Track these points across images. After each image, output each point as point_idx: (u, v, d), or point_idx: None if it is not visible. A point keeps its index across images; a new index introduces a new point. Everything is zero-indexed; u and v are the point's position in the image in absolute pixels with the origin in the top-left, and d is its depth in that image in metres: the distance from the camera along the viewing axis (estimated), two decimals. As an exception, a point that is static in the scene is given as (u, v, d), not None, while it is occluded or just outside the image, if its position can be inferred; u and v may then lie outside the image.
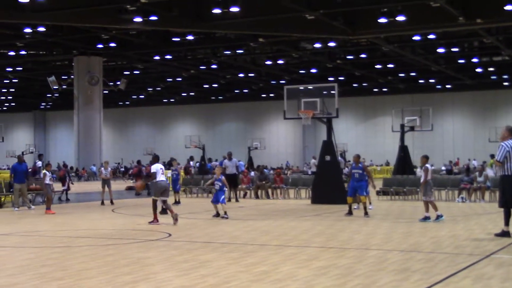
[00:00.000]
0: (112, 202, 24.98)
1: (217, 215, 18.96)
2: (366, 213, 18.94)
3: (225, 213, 18.81)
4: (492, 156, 50.75)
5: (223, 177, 19.26)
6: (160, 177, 17.43)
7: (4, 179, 26.33)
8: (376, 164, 60.30)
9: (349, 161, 56.30)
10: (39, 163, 28.23)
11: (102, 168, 26.41)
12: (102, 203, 25.04)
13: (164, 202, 17.57)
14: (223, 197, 18.84)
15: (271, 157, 66.49)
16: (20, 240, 14.57)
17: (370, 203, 22.27)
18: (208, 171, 39.38)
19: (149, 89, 66.89)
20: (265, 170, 32.16)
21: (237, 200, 26.61)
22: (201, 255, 11.50)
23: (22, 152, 52.33)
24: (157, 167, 17.55)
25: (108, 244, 13.31)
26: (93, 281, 9.10)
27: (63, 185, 28.49)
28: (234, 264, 10.42)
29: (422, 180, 17.53)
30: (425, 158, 18.21)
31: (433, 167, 48.05)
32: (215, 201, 18.97)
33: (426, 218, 17.16)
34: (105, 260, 11.02)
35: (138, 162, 33.43)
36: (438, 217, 17.15)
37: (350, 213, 19.26)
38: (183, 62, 50.42)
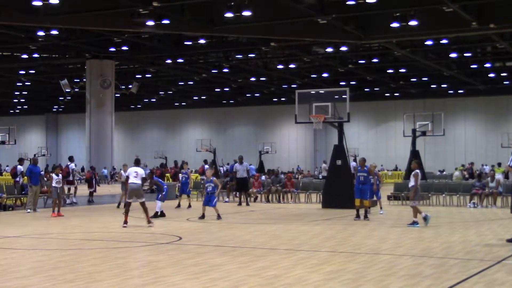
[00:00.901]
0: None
1: (203, 217, 19.21)
2: (366, 217, 19.12)
3: (218, 215, 19.10)
4: (499, 164, 50.71)
5: (214, 178, 19.61)
6: (132, 180, 17.60)
7: (5, 181, 26.53)
8: (387, 169, 60.12)
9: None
10: (72, 165, 28.70)
11: (122, 171, 26.50)
12: (119, 205, 25.12)
13: (142, 203, 17.49)
14: (215, 200, 19.29)
15: (282, 161, 66.44)
16: (31, 242, 14.63)
17: (381, 208, 22.26)
18: (219, 175, 39.41)
19: (160, 92, 67.04)
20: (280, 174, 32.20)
21: (247, 204, 26.60)
22: (212, 258, 11.50)
23: (34, 155, 52.52)
24: (130, 170, 17.89)
25: (119, 247, 13.35)
26: (103, 284, 9.12)
27: (90, 187, 29.48)
28: (244, 268, 10.42)
29: (411, 185, 17.43)
30: (417, 164, 18.25)
31: (444, 173, 47.72)
32: (206, 202, 19.31)
33: (414, 223, 17.13)
34: (116, 263, 11.05)
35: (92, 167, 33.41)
36: (414, 223, 17.14)
37: (358, 216, 19.26)
38: (195, 66, 50.51)
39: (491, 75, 53.18)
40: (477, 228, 17.01)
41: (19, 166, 27.98)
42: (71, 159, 29.25)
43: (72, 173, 28.43)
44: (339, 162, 24.67)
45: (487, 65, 48.52)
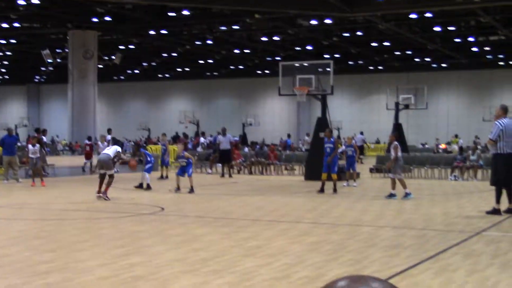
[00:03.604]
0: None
1: (178, 188, 19.08)
2: (335, 190, 18.94)
3: (192, 187, 18.85)
4: (456, 136, 51.08)
5: (185, 153, 19.52)
6: (104, 151, 17.99)
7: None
8: (370, 141, 60.34)
9: (343, 138, 56.46)
10: (109, 137, 29.32)
11: (99, 142, 26.42)
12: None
13: (110, 176, 17.20)
14: (190, 170, 19.11)
15: (265, 134, 66.49)
16: (13, 212, 14.59)
17: (354, 180, 22.34)
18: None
19: (144, 64, 66.60)
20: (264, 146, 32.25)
21: (230, 176, 26.67)
22: (194, 229, 11.54)
23: (16, 125, 52.19)
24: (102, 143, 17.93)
25: (100, 218, 13.35)
26: (85, 254, 9.13)
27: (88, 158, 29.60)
28: (226, 239, 10.47)
29: (392, 157, 17.46)
30: (394, 136, 18.31)
31: (426, 146, 47.98)
32: (181, 173, 19.11)
33: (391, 195, 17.17)
34: (98, 233, 11.06)
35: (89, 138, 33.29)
36: (407, 194, 17.16)
37: (322, 190, 19.02)
38: (179, 37, 50.17)
39: (474, 49, 53.32)
40: (458, 200, 17.19)
41: None
42: (109, 131, 30.13)
43: (109, 144, 28.90)
44: (322, 135, 24.72)
45: (471, 39, 48.61)
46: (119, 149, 18.14)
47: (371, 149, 55.28)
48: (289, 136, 47.80)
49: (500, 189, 13.74)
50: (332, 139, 19.57)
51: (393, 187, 17.34)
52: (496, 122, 13.63)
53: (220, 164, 28.14)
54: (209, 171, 29.44)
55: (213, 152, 30.05)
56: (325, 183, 19.09)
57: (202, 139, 35.15)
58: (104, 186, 17.12)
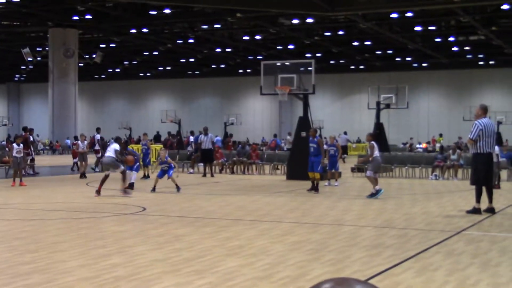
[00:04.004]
0: (85, 176, 24.93)
1: (154, 189, 19.18)
2: (317, 189, 19.07)
3: (177, 186, 19.03)
4: (441, 135, 51.40)
5: (168, 158, 19.76)
6: (106, 153, 18.49)
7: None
8: (351, 141, 60.45)
9: (325, 137, 56.55)
10: (98, 136, 29.82)
11: (79, 142, 26.30)
12: (82, 176, 25.07)
13: (121, 172, 17.98)
14: (172, 171, 19.34)
15: (247, 133, 66.51)
16: (-7, 212, 14.46)
17: (336, 180, 22.39)
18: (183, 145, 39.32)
19: (125, 62, 66.36)
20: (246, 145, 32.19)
21: (212, 175, 26.64)
22: (176, 229, 11.52)
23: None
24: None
25: (82, 218, 13.28)
26: (66, 254, 9.08)
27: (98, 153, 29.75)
28: (208, 239, 10.46)
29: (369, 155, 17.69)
30: (370, 136, 18.43)
31: (407, 145, 48.11)
32: (161, 175, 19.39)
33: (372, 195, 17.28)
34: (79, 233, 11.00)
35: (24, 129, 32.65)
36: (372, 194, 17.24)
37: (313, 188, 19.20)
38: (160, 36, 50.04)
39: (455, 48, 53.70)
40: (438, 199, 17.30)
41: None
42: (98, 130, 30.22)
43: (98, 143, 29.54)
44: (303, 134, 24.77)
45: (451, 38, 48.95)
46: (117, 147, 18.40)
47: (353, 148, 55.46)
48: (275, 136, 47.81)
49: (480, 189, 13.85)
50: (316, 138, 19.59)
51: (375, 185, 17.45)
52: (476, 122, 13.74)
53: (202, 164, 28.10)
54: (191, 170, 29.40)
55: (194, 152, 29.99)
56: (314, 180, 19.24)
57: (191, 138, 34.98)
58: (120, 184, 17.98)
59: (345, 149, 44.95)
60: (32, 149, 27.26)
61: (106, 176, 18.07)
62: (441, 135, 52.73)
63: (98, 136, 29.72)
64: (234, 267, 8.22)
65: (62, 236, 10.72)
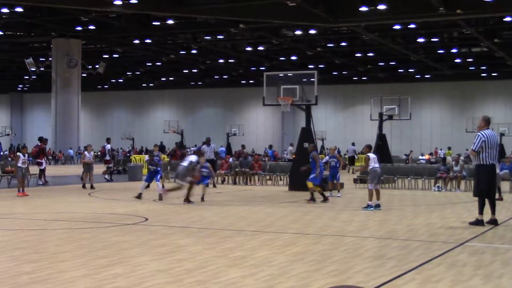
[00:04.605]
0: (93, 187, 24.87)
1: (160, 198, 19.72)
2: (312, 199, 19.30)
3: (160, 197, 19.63)
4: (449, 148, 51.26)
5: (208, 164, 20.56)
6: (182, 163, 19.35)
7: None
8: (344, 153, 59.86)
9: (327, 148, 56.50)
10: (108, 146, 30.34)
11: (86, 152, 26.30)
12: (84, 186, 25.01)
13: (189, 182, 18.67)
14: (207, 180, 20.23)
15: (249, 144, 66.50)
16: (-5, 222, 14.44)
17: (338, 191, 22.37)
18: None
19: (128, 73, 66.50)
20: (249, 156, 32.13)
21: (214, 186, 26.60)
22: (178, 239, 11.49)
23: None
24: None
25: (84, 228, 13.26)
26: (67, 264, 9.06)
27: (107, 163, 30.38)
28: (210, 249, 10.43)
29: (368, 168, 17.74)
30: (367, 148, 18.48)
31: (410, 156, 48.01)
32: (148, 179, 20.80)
33: (376, 206, 17.26)
34: (81, 244, 10.98)
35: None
36: (368, 206, 17.26)
37: (313, 199, 19.39)
38: (163, 47, 50.17)
39: (457, 60, 53.76)
40: (441, 211, 17.25)
41: None
42: (108, 140, 30.78)
43: (109, 153, 30.14)
44: (306, 145, 24.75)
45: (454, 50, 49.02)
46: (194, 159, 18.94)
47: (356, 160, 55.36)
48: (270, 147, 47.75)
49: (483, 200, 13.81)
50: (311, 154, 20.07)
51: (378, 197, 17.42)
52: (479, 133, 13.72)
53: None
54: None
55: (196, 163, 30.01)
56: (323, 192, 19.68)
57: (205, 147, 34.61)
58: (184, 193, 18.63)
59: (352, 160, 44.89)
60: (45, 159, 27.50)
61: (190, 184, 18.61)
62: (449, 148, 52.54)
63: (108, 146, 30.24)
64: (236, 278, 8.20)
65: (64, 246, 10.70)
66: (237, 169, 29.32)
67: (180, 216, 15.65)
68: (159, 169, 21.10)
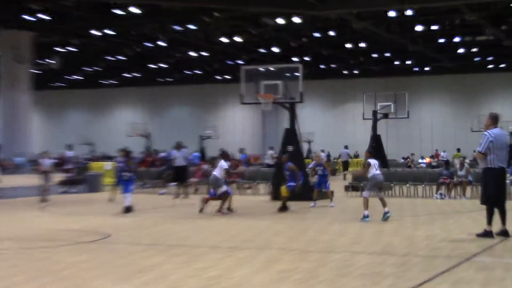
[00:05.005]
0: (46, 200, 24.66)
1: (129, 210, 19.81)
2: (283, 208, 20.03)
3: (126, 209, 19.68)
4: (459, 150, 51.60)
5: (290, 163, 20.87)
6: (214, 171, 20.11)
7: None
8: (335, 157, 59.83)
9: (314, 152, 56.58)
10: (70, 153, 31.32)
11: (43, 159, 26.12)
12: (43, 200, 24.80)
13: (223, 193, 19.72)
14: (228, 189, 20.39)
15: (226, 147, 66.46)
16: None
17: (331, 200, 22.39)
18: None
19: (87, 68, 66.24)
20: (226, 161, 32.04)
21: (186, 197, 26.51)
22: (145, 258, 11.44)
23: None
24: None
25: (35, 248, 13.14)
26: (17, 289, 8.98)
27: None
28: (182, 268, 10.40)
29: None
30: (368, 153, 18.79)
31: (410, 159, 48.09)
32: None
33: (385, 214, 17.35)
34: (33, 266, 10.89)
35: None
36: (364, 217, 17.38)
37: (285, 208, 20.15)
38: (126, 38, 50.04)
39: (460, 50, 54.12)
40: (444, 221, 17.32)
41: None
42: (70, 147, 31.20)
43: (70, 162, 30.80)
44: (290, 148, 24.74)
45: (456, 39, 49.33)
46: (225, 165, 19.70)
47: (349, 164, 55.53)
48: (241, 150, 47.59)
49: (491, 209, 13.85)
50: (287, 165, 20.78)
51: (384, 205, 17.50)
52: (485, 133, 13.77)
53: (174, 183, 28.01)
54: (162, 191, 29.27)
55: (166, 170, 29.91)
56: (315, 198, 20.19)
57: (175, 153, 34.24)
58: (219, 204, 19.53)
59: (346, 165, 45.01)
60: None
61: (224, 195, 19.57)
62: (458, 150, 52.86)
63: (70, 154, 30.02)
64: (211, 301, 8.17)
65: (9, 269, 10.59)
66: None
67: (147, 231, 15.58)
68: (132, 176, 20.92)
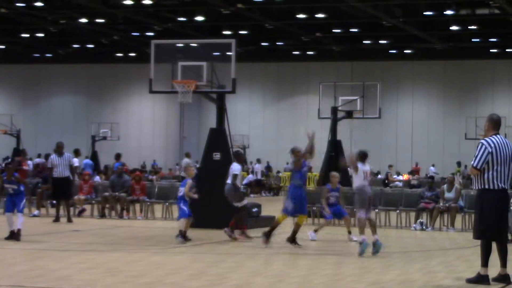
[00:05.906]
0: None
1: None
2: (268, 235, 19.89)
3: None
4: (459, 164, 52.41)
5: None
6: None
7: None
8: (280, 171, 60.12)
9: (251, 162, 56.75)
10: (76, 161, 31.53)
11: None
12: None
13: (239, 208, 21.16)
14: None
15: (128, 153, 66.10)
16: None
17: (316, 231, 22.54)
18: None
19: None
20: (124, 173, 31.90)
21: (69, 220, 26.36)
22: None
23: None
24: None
25: None
26: None
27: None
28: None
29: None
30: (360, 155, 19.00)
31: (379, 176, 48.69)
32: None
33: (376, 243, 17.71)
34: None
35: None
36: (362, 243, 17.73)
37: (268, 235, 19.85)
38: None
39: (454, 27, 54.61)
40: (425, 261, 17.56)
41: None
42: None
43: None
44: (217, 156, 24.76)
45: (448, 12, 49.74)
46: (237, 170, 20.62)
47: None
48: (118, 156, 47.39)
49: (488, 245, 14.01)
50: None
51: (363, 232, 17.77)
52: (483, 141, 13.84)
53: (53, 201, 27.87)
54: (35, 212, 29.04)
55: (42, 182, 29.66)
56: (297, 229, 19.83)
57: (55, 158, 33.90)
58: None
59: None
60: None
61: (243, 210, 21.01)
62: (459, 165, 53.47)
63: (76, 161, 30.25)
64: None
65: None
66: (106, 194, 29.11)
67: (11, 268, 15.43)
68: (22, 189, 20.82)
